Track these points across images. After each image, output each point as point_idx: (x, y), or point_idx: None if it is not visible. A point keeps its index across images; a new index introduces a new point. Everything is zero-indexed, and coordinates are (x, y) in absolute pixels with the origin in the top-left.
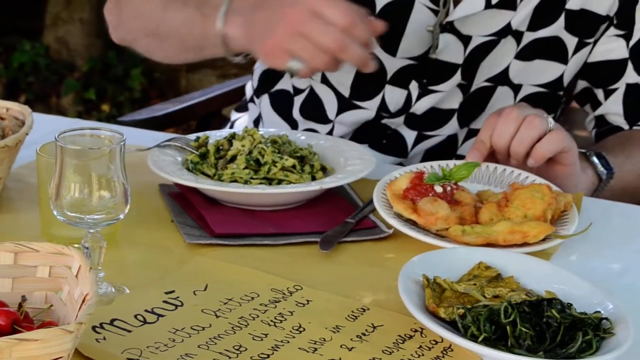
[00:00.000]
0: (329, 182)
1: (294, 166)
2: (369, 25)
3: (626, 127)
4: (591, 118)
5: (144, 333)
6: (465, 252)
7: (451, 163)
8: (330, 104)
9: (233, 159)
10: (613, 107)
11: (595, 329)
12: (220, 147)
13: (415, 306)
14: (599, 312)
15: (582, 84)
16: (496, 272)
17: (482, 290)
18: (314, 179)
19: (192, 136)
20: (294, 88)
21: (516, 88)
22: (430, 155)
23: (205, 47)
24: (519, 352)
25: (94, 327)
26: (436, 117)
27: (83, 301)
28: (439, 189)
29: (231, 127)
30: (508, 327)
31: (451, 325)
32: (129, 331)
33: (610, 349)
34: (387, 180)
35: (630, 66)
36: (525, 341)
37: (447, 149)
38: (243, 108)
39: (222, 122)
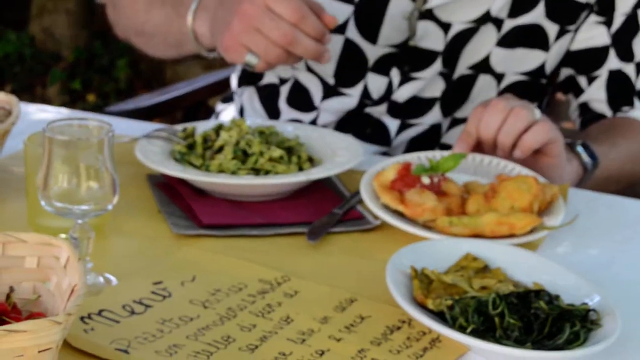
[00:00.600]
0: (316, 173)
1: (281, 157)
2: (321, 19)
3: (609, 113)
4: (575, 106)
5: (132, 324)
6: (452, 243)
7: (438, 154)
8: (315, 91)
9: (220, 149)
10: (596, 94)
11: (583, 321)
12: (208, 138)
13: (403, 297)
14: (586, 303)
15: (565, 72)
16: (483, 264)
17: (469, 282)
18: (301, 169)
19: (179, 127)
20: (280, 79)
21: (499, 77)
22: (414, 144)
23: (183, 44)
24: (507, 343)
25: (82, 318)
26: (418, 105)
27: (71, 292)
28: (426, 180)
29: (216, 118)
30: (496, 319)
31: (439, 316)
32: (117, 322)
33: (597, 341)
34: (374, 171)
35: (612, 52)
36: (513, 332)
37: (431, 138)
38: (229, 99)
39: (208, 112)
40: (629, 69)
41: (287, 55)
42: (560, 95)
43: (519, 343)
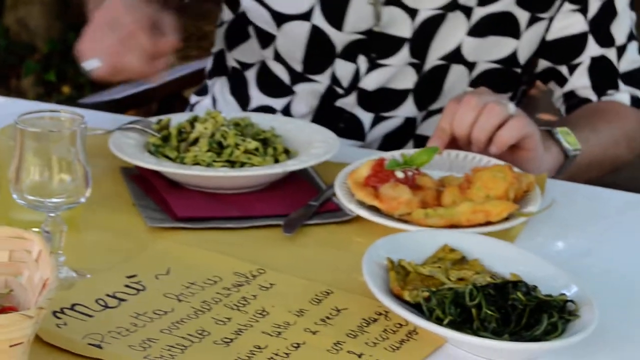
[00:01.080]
0: (292, 165)
1: (257, 149)
2: (162, 41)
3: (595, 98)
4: (559, 95)
5: (106, 318)
6: (429, 234)
7: (412, 151)
8: (284, 79)
9: (195, 141)
10: (580, 81)
11: (561, 312)
12: (183, 130)
13: (379, 289)
14: (564, 294)
15: (544, 64)
16: (461, 255)
17: (446, 273)
18: (277, 161)
19: (154, 119)
20: (241, 63)
21: (471, 66)
22: (388, 139)
23: None
24: (484, 334)
25: (54, 313)
26: (390, 96)
27: (43, 286)
28: (400, 174)
29: (191, 110)
30: (473, 310)
31: (416, 308)
32: (91, 316)
33: (575, 331)
34: (348, 170)
35: (591, 39)
36: (490, 324)
37: (406, 132)
38: (202, 91)
39: (183, 104)
40: (611, 53)
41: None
42: (534, 90)
43: (496, 334)
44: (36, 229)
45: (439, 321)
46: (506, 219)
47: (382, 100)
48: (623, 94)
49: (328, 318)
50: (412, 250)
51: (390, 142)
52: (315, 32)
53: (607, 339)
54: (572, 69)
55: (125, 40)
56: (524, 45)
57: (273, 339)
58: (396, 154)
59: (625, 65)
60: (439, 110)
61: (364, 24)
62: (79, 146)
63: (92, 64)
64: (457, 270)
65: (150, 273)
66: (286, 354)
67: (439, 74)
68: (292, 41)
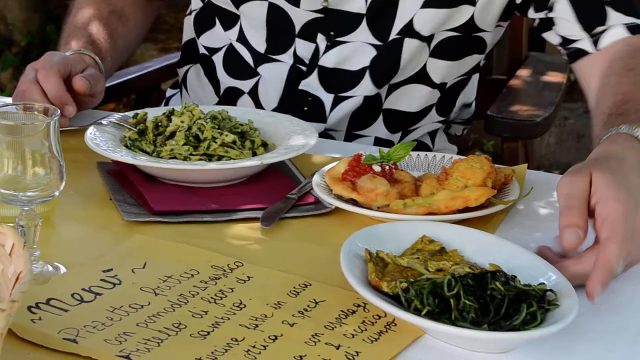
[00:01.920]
0: (269, 158)
1: (234, 142)
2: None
3: (583, 36)
4: (557, 41)
5: (81, 312)
6: (408, 226)
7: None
8: (249, 59)
9: (172, 135)
10: (562, 13)
11: (540, 301)
12: (159, 124)
13: (357, 280)
14: (544, 283)
15: (532, 15)
16: (439, 246)
17: (425, 264)
18: (255, 154)
19: (130, 113)
20: (209, 49)
21: (427, 39)
22: (355, 118)
23: None
24: (463, 325)
25: (29, 307)
26: (347, 75)
27: (17, 280)
28: (377, 168)
29: (166, 103)
30: (452, 300)
31: (395, 299)
32: (66, 310)
33: (555, 321)
34: (325, 169)
35: None
36: (469, 314)
37: (371, 109)
38: (178, 84)
39: (161, 96)
40: None
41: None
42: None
43: (475, 325)
44: (10, 224)
45: (417, 312)
46: (485, 207)
47: (340, 80)
48: (617, 28)
49: (306, 310)
50: (391, 241)
51: (358, 121)
52: (274, 9)
53: (587, 328)
54: (550, 10)
55: (37, 79)
56: (482, 9)
57: (250, 332)
58: (373, 150)
59: None
60: (403, 82)
61: (318, 2)
62: (53, 139)
63: None
64: (436, 261)
65: (127, 267)
66: (263, 346)
67: (395, 49)
68: (254, 21)
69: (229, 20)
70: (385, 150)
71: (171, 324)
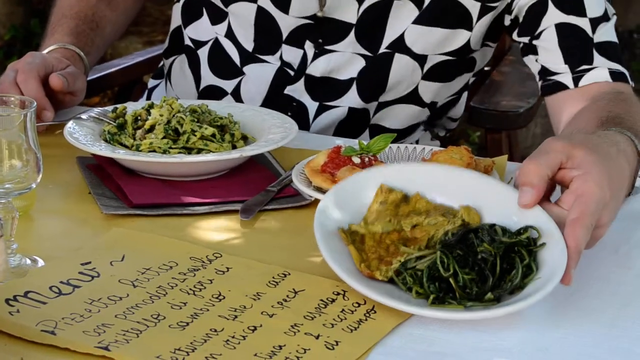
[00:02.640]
0: (249, 150)
1: (213, 135)
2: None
3: (569, 78)
4: (536, 72)
5: (59, 304)
6: (363, 178)
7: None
8: (235, 57)
9: (151, 129)
10: (549, 52)
11: (528, 246)
12: (139, 117)
13: (340, 267)
14: (526, 229)
15: (518, 40)
16: (401, 194)
17: (399, 225)
18: (234, 148)
19: (110, 107)
20: (195, 41)
21: (420, 59)
22: (341, 129)
23: None
24: (472, 304)
25: (7, 300)
26: (334, 85)
27: None
28: (357, 160)
29: (149, 94)
30: (451, 280)
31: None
32: (44, 303)
33: (550, 269)
34: (305, 161)
35: (551, 5)
36: (472, 290)
37: (357, 122)
38: (160, 75)
39: (144, 89)
40: (583, 23)
41: None
42: (496, 74)
43: (479, 297)
44: None
45: (419, 295)
46: None
47: (326, 89)
48: (601, 70)
49: (285, 300)
50: (352, 202)
51: (344, 132)
52: (262, 14)
53: (563, 313)
54: (536, 37)
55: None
56: (477, 34)
57: (229, 322)
58: (352, 142)
59: (599, 36)
60: (393, 102)
61: (310, 9)
62: (30, 131)
63: None
64: (407, 218)
65: (105, 260)
66: (243, 336)
67: (384, 63)
68: (243, 20)
69: (218, 15)
70: (365, 142)
71: (150, 315)
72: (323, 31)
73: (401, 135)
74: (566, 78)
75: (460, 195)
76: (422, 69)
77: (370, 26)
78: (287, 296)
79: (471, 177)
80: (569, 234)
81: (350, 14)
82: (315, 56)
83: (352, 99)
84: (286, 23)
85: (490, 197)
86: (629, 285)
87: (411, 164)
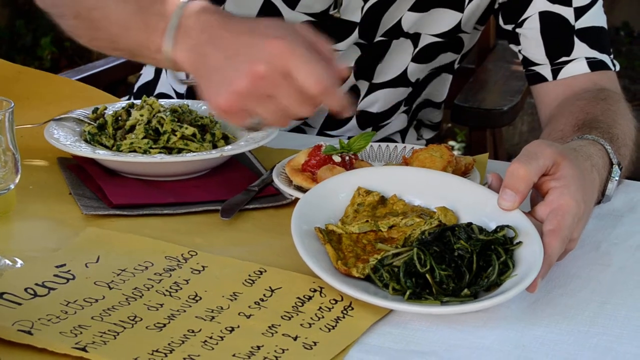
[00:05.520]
0: (229, 150)
1: (194, 135)
2: (335, 69)
3: (547, 70)
4: (520, 56)
5: (35, 306)
6: (340, 181)
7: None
8: None
9: (132, 129)
10: (532, 44)
11: (504, 244)
12: (119, 118)
13: (316, 264)
14: (502, 227)
15: (503, 27)
16: (378, 196)
17: (376, 225)
18: (215, 147)
19: (91, 108)
20: None
21: (414, 38)
22: (330, 118)
23: (137, 55)
24: (449, 300)
25: None
26: None
27: None
28: (337, 158)
29: (134, 92)
30: (428, 276)
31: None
32: (19, 304)
33: (527, 266)
34: (286, 160)
35: None
36: (449, 285)
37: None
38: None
39: (128, 89)
40: (567, 12)
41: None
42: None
43: (456, 293)
44: None
45: (395, 292)
46: None
47: None
48: (579, 62)
49: (262, 300)
50: (331, 201)
51: (332, 122)
52: (267, 6)
53: (541, 313)
54: (519, 25)
55: (320, 97)
56: (468, 16)
57: (207, 323)
58: (333, 141)
59: (582, 22)
60: (383, 85)
61: (317, 6)
62: (8, 132)
63: (254, 122)
64: (384, 219)
65: (80, 261)
66: (220, 337)
67: (381, 50)
68: (242, 11)
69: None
70: (346, 140)
71: (127, 317)
72: (327, 29)
73: (382, 117)
74: (545, 70)
75: (437, 198)
76: (414, 48)
77: (372, 21)
78: (264, 295)
79: (448, 179)
80: (545, 244)
81: (355, 13)
82: None
83: (347, 83)
84: (290, 18)
85: (467, 199)
86: (609, 282)
87: (389, 167)
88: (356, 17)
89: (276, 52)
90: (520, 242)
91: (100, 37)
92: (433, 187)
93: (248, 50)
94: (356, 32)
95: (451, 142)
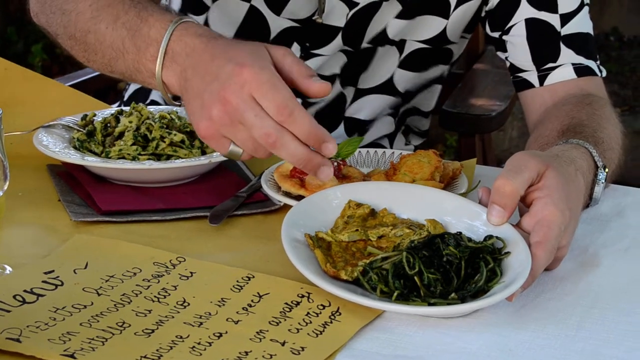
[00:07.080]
0: (218, 156)
1: (182, 141)
2: (308, 89)
3: (534, 76)
4: (507, 63)
5: (24, 313)
6: (331, 194)
7: None
8: None
9: (121, 135)
10: (519, 50)
11: (492, 253)
12: (108, 124)
13: (304, 266)
14: (492, 237)
15: (491, 34)
16: (369, 208)
17: (366, 234)
18: (204, 153)
19: (80, 115)
20: None
21: (399, 45)
22: (319, 117)
23: (133, 77)
24: (436, 301)
25: None
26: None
27: None
28: None
29: (124, 97)
30: (416, 278)
31: (352, 283)
32: (8, 311)
33: (514, 273)
34: (274, 166)
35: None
36: (436, 288)
37: (335, 116)
38: None
39: (118, 95)
40: (553, 19)
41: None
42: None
43: (443, 296)
44: None
45: (383, 294)
46: None
47: None
48: (565, 68)
49: (250, 306)
50: (322, 213)
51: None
52: (254, 13)
53: (529, 317)
54: (506, 32)
55: (284, 124)
56: (454, 23)
57: (195, 329)
58: None
59: (568, 28)
60: (369, 91)
61: (302, 12)
62: None
63: (235, 150)
64: (373, 229)
65: (68, 268)
66: (209, 343)
67: (366, 57)
68: (227, 18)
69: (198, 6)
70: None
71: (115, 323)
72: (311, 35)
73: (370, 124)
74: (532, 76)
75: (427, 212)
76: (400, 54)
77: (356, 28)
78: (252, 301)
79: (437, 195)
80: (532, 256)
81: (339, 19)
82: (301, 59)
83: (334, 90)
84: (276, 24)
85: (457, 213)
86: (596, 286)
87: (380, 182)
88: (340, 23)
89: (241, 80)
90: (508, 252)
91: (97, 60)
92: (423, 202)
93: (222, 76)
94: (339, 37)
95: (441, 147)
